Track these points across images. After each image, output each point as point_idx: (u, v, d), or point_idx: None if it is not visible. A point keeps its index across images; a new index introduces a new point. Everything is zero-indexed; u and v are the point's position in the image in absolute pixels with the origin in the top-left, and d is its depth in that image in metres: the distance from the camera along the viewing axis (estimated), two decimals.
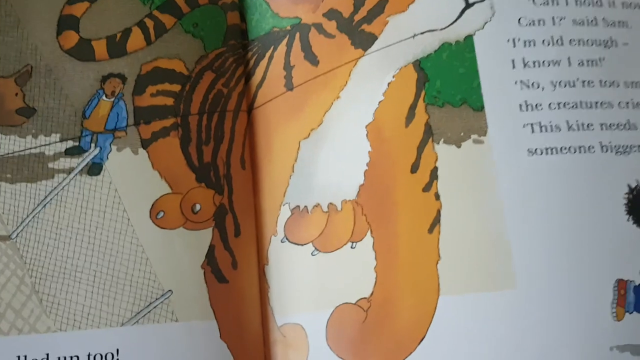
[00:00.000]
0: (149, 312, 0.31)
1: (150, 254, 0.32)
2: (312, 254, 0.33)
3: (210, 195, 0.33)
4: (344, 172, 0.33)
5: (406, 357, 0.30)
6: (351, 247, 0.33)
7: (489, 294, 0.30)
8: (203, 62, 0.35)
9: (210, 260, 0.33)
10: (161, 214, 0.32)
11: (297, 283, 0.33)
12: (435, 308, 0.30)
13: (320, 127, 0.34)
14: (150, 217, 0.32)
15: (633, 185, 0.31)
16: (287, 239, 0.34)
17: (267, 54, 0.37)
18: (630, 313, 0.30)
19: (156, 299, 0.31)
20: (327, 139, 0.34)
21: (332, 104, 0.33)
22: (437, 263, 0.31)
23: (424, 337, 0.30)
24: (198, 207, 0.33)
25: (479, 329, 0.30)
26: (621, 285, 0.30)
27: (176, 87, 0.34)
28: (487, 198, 0.31)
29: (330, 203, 0.34)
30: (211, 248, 0.33)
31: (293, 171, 0.35)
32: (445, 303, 0.30)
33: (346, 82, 0.33)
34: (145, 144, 0.33)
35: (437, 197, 0.32)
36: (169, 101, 0.34)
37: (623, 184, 0.31)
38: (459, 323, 0.30)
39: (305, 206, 0.34)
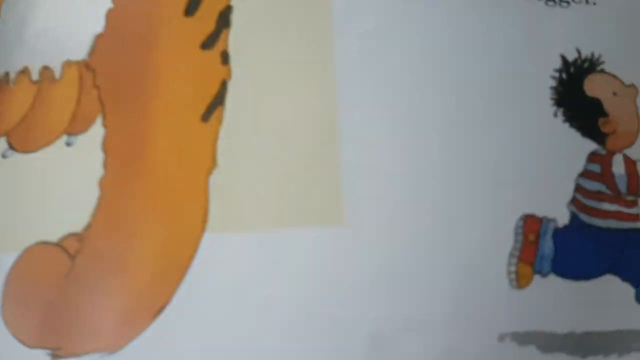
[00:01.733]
0: None
1: None
2: (2, 155, 0.21)
3: None
4: (73, 12, 0.21)
5: (136, 336, 0.18)
6: (66, 144, 0.20)
7: (296, 231, 0.19)
8: None
9: None
10: None
11: None
12: (196, 251, 0.19)
13: None
14: None
15: (571, 58, 0.20)
16: None
17: None
18: (544, 276, 0.18)
19: None
20: None
21: None
22: (209, 173, 0.20)
23: (168, 301, 0.18)
24: None
25: (275, 286, 0.18)
26: (530, 225, 0.19)
27: None
28: (313, 66, 0.20)
29: (44, 66, 0.21)
30: None
31: None
32: (215, 243, 0.19)
33: None
34: None
35: (225, 59, 0.20)
36: None
37: (551, 54, 0.20)
38: (236, 278, 0.18)
39: (7, 72, 0.21)
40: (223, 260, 0.19)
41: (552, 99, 0.20)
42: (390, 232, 0.18)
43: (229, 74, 0.20)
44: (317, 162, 0.20)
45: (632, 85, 0.21)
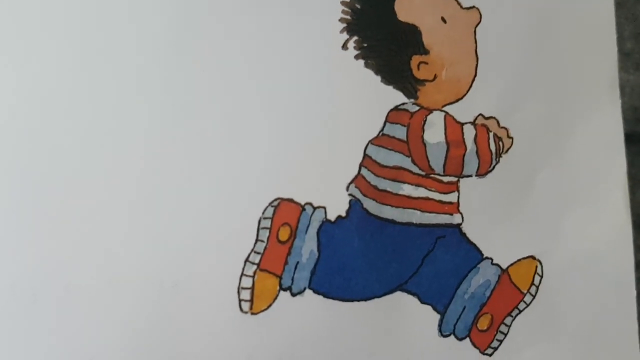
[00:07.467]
0: None
1: None
2: None
3: None
4: None
5: None
6: None
7: None
8: None
9: None
10: None
11: None
12: None
13: None
14: None
15: None
16: None
17: None
18: (296, 294, 0.13)
19: None
20: None
21: None
22: None
23: None
24: None
25: None
26: (284, 214, 0.13)
27: None
28: None
29: None
30: None
31: None
32: None
33: None
34: None
35: None
36: None
37: None
38: None
39: None
40: None
41: (341, 21, 0.13)
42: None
43: None
44: None
45: (473, 8, 0.14)
